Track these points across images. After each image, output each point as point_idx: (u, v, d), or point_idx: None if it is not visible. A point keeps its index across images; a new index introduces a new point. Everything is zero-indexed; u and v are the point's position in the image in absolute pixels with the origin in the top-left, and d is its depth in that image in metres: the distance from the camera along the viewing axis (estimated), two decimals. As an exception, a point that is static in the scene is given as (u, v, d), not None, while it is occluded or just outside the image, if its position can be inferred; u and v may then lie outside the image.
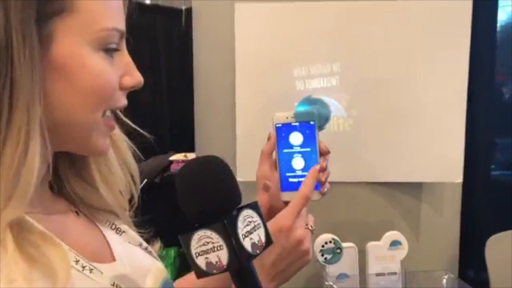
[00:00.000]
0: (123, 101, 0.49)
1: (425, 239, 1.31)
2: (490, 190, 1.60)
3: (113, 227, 0.57)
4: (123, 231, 0.57)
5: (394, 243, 1.18)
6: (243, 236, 0.45)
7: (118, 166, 0.55)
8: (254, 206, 0.47)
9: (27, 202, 0.41)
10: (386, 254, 1.17)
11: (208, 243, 0.44)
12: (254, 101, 1.21)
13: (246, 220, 0.46)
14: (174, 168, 2.88)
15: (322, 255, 1.14)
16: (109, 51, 0.46)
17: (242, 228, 0.45)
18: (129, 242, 0.57)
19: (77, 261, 0.46)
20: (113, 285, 0.48)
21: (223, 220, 0.44)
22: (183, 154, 2.92)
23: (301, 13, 1.18)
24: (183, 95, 3.28)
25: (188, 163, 0.49)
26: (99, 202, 0.55)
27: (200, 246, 0.45)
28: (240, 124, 1.22)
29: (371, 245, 1.19)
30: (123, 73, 0.48)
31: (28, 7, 0.41)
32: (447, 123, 1.20)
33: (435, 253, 1.32)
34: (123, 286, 0.49)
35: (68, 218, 0.52)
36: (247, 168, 1.15)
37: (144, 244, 0.60)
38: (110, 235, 0.55)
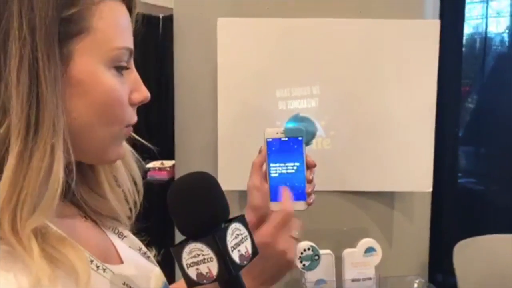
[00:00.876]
0: (134, 118, 0.52)
1: (397, 246, 1.36)
2: (457, 197, 1.68)
3: (116, 231, 0.60)
4: (125, 236, 0.60)
5: (369, 250, 1.23)
6: (232, 248, 0.47)
7: (125, 175, 0.58)
8: (241, 220, 0.50)
9: (53, 211, 0.44)
10: (362, 260, 1.22)
11: (199, 255, 0.47)
12: (236, 113, 1.25)
13: (235, 233, 0.49)
14: (151, 175, 2.86)
15: (301, 262, 1.18)
16: (119, 69, 0.49)
17: (230, 241, 0.47)
18: (130, 247, 0.60)
19: (91, 261, 0.48)
20: (124, 284, 0.51)
21: (213, 234, 0.46)
22: (160, 161, 2.91)
23: (283, 30, 1.23)
24: (160, 102, 3.28)
25: (179, 179, 0.51)
26: (107, 210, 0.57)
27: (191, 258, 0.47)
28: (222, 133, 1.25)
29: (347, 252, 1.24)
30: (132, 89, 0.51)
31: (52, 28, 0.43)
32: (417, 135, 1.26)
33: (407, 259, 1.38)
34: (133, 287, 0.51)
35: (78, 221, 0.55)
36: (228, 177, 1.18)
37: (144, 249, 0.62)
38: (115, 239, 0.58)
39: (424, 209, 1.41)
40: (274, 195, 0.74)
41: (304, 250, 1.18)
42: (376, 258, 1.23)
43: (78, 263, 0.43)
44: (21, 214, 0.41)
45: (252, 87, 1.24)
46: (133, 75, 0.51)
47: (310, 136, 0.77)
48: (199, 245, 0.47)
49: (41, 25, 0.43)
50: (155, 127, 3.45)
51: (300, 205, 0.74)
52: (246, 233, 0.50)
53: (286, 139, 0.75)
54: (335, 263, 1.24)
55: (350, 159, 1.25)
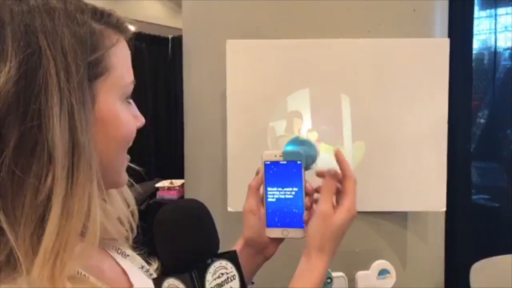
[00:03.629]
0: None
1: (412, 267, 1.33)
2: (471, 215, 1.65)
3: (119, 251, 0.59)
4: (128, 255, 0.60)
5: (383, 272, 1.20)
6: None
7: (118, 198, 0.59)
8: (231, 257, 0.48)
9: (93, 253, 0.44)
10: (375, 283, 1.19)
11: None
12: (245, 133, 1.24)
13: (218, 272, 0.46)
14: (160, 195, 2.87)
15: (313, 285, 1.15)
16: (127, 100, 0.53)
17: (211, 281, 0.45)
18: (133, 264, 0.59)
19: None
20: None
21: (192, 271, 0.45)
22: (169, 181, 2.91)
23: (292, 51, 1.23)
24: (169, 122, 3.30)
25: (166, 208, 0.50)
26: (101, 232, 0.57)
27: None
28: (231, 154, 1.24)
29: (360, 274, 1.21)
30: (133, 116, 0.54)
31: (83, 73, 0.45)
32: (430, 154, 1.24)
33: (422, 281, 1.34)
34: None
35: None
36: (237, 199, 1.17)
37: (146, 266, 0.62)
38: (120, 259, 0.58)
39: (438, 229, 1.38)
40: (270, 221, 0.73)
41: (316, 272, 1.15)
42: (390, 280, 1.20)
43: None
44: (62, 259, 0.41)
45: (261, 108, 1.23)
46: (132, 103, 0.55)
47: (310, 160, 0.75)
48: (176, 282, 0.45)
49: (75, 71, 0.44)
50: (164, 147, 3.47)
51: (297, 232, 0.72)
52: (234, 272, 0.48)
53: (285, 162, 0.73)
54: (348, 286, 1.22)
55: (362, 179, 1.23)
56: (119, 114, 0.50)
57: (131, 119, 0.52)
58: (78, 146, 0.43)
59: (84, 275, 0.46)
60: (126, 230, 0.60)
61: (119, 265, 0.57)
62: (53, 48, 0.43)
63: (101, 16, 0.49)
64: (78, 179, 0.43)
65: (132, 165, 0.60)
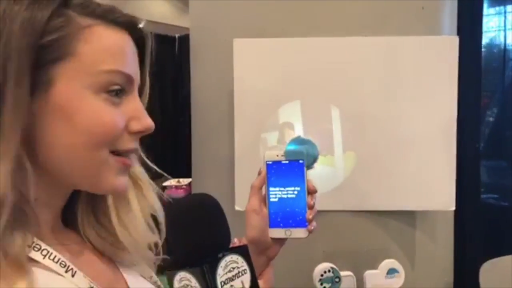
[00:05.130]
0: (130, 145, 0.50)
1: (420, 267, 1.32)
2: (480, 214, 1.63)
3: (125, 261, 0.58)
4: (134, 264, 0.58)
5: (391, 271, 1.20)
6: (222, 282, 0.45)
7: (139, 212, 0.55)
8: (242, 251, 0.48)
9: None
10: (384, 282, 1.19)
11: (187, 285, 0.45)
12: (253, 132, 1.24)
13: (229, 266, 0.46)
14: (167, 194, 2.87)
15: (321, 284, 1.15)
16: (113, 93, 0.48)
17: (222, 274, 0.45)
18: (141, 275, 0.58)
19: None
20: None
21: (203, 265, 0.45)
22: (176, 179, 2.92)
23: (299, 49, 1.22)
24: (176, 120, 3.31)
25: (178, 202, 0.50)
26: (113, 241, 0.55)
27: (180, 286, 0.45)
28: (239, 152, 1.24)
29: (368, 273, 1.20)
30: (131, 117, 0.50)
31: (26, 55, 0.44)
32: (439, 153, 1.23)
33: (431, 280, 1.33)
34: None
35: (85, 249, 0.54)
36: (245, 198, 1.17)
37: (154, 277, 0.60)
38: (124, 269, 0.56)
39: (447, 228, 1.37)
40: (273, 221, 0.72)
41: (325, 272, 1.15)
42: (399, 279, 1.20)
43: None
44: None
45: (268, 107, 1.23)
46: (135, 103, 0.51)
47: (312, 159, 0.74)
48: (188, 275, 0.45)
49: (15, 51, 0.43)
50: (172, 145, 3.47)
51: (301, 232, 0.72)
52: (245, 266, 0.47)
53: (287, 162, 0.73)
54: (356, 285, 1.21)
55: (370, 178, 1.23)
56: (85, 104, 0.46)
57: (107, 113, 0.47)
58: (1, 122, 0.43)
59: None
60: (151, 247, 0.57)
61: (119, 271, 0.56)
62: (2, 29, 0.43)
63: (78, 3, 0.48)
64: None
65: (151, 164, 0.57)
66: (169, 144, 3.26)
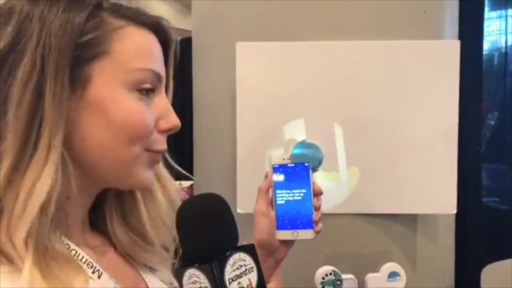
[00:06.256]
0: (161, 145, 0.53)
1: (421, 270, 1.32)
2: (482, 218, 1.63)
3: (148, 265, 0.59)
4: (157, 270, 0.60)
5: (393, 275, 1.20)
6: (230, 279, 0.46)
7: (165, 208, 0.57)
8: (249, 249, 0.49)
9: (40, 224, 0.44)
10: (385, 285, 1.19)
11: (196, 282, 0.46)
12: (255, 135, 1.24)
13: (237, 264, 0.47)
14: (168, 196, 2.88)
15: (323, 287, 1.15)
16: (145, 92, 0.50)
17: (230, 272, 0.46)
18: (161, 280, 0.59)
19: None
20: None
21: (212, 262, 0.46)
22: (177, 182, 2.93)
23: (301, 53, 1.23)
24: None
25: (188, 201, 0.51)
26: (144, 243, 0.57)
27: (189, 283, 0.46)
28: (241, 155, 1.25)
29: (370, 276, 1.21)
30: (160, 115, 0.52)
31: (65, 53, 0.46)
32: (440, 156, 1.24)
33: (432, 284, 1.34)
34: None
35: (109, 251, 0.55)
36: (247, 200, 1.17)
37: (175, 283, 0.61)
38: (146, 273, 0.58)
39: (449, 232, 1.37)
40: (280, 224, 0.73)
41: (326, 275, 1.16)
42: (400, 283, 1.20)
43: (76, 284, 0.43)
44: (13, 222, 0.42)
45: (270, 110, 1.23)
46: (163, 102, 0.53)
47: (317, 162, 0.76)
48: (197, 272, 0.46)
49: (54, 50, 0.45)
50: (173, 148, 3.48)
51: (308, 233, 0.73)
52: (252, 264, 0.48)
53: (293, 165, 0.74)
54: (357, 288, 1.21)
55: (372, 181, 1.23)
56: (119, 101, 0.48)
57: (139, 110, 0.50)
58: (42, 122, 0.44)
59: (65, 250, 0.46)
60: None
61: (141, 275, 0.57)
62: (40, 29, 0.45)
63: (109, 6, 0.50)
64: (35, 154, 0.44)
65: (175, 165, 0.60)
66: (171, 146, 3.27)
